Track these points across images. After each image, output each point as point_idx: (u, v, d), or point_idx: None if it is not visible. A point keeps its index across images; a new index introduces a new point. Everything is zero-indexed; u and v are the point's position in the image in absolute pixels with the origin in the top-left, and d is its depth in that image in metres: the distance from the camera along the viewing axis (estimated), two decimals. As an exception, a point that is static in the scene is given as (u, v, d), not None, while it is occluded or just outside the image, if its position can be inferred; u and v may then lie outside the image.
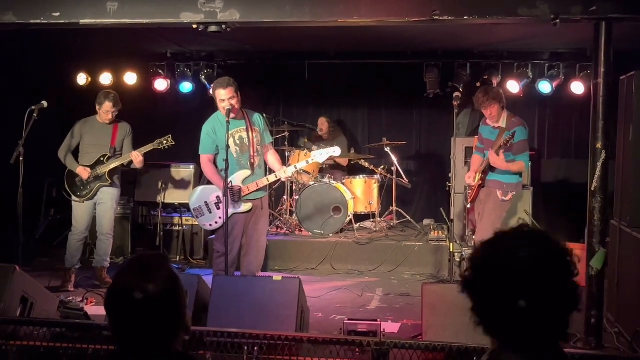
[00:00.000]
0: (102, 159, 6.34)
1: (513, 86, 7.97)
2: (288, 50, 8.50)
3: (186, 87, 8.67)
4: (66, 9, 4.88)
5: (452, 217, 6.32)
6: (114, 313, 1.82)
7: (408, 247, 7.41)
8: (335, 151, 5.55)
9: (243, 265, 5.46)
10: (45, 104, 5.86)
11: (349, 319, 4.41)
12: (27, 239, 6.47)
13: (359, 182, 8.28)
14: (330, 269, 7.34)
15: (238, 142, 5.34)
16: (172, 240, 7.84)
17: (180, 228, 7.82)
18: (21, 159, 5.70)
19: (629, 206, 4.92)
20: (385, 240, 7.68)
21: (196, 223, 7.35)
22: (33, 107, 5.81)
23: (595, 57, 4.60)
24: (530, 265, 1.57)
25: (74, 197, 6.35)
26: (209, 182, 5.50)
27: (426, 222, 8.64)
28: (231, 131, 5.22)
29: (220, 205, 5.29)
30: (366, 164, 8.39)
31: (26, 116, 5.78)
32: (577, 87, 7.82)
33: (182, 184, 8.12)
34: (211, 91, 5.54)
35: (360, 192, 8.22)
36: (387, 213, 8.57)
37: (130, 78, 8.67)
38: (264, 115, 5.97)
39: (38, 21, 4.92)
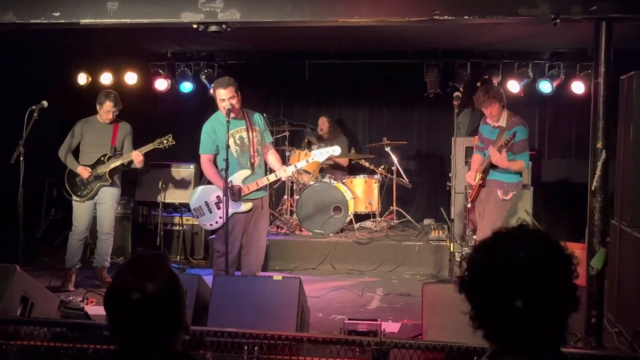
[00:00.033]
0: (102, 158, 6.34)
1: (513, 86, 7.97)
2: (288, 50, 8.50)
3: (186, 87, 8.68)
4: (66, 9, 4.89)
5: (452, 217, 6.33)
6: (113, 312, 1.81)
7: (408, 247, 7.41)
8: (335, 150, 5.55)
9: (243, 265, 5.46)
10: (45, 103, 5.86)
11: (349, 319, 4.41)
12: (27, 239, 6.49)
13: (359, 182, 8.28)
14: (331, 269, 7.34)
15: (238, 141, 5.34)
16: (173, 240, 7.84)
17: (181, 228, 7.82)
18: (21, 158, 5.70)
19: (629, 206, 4.92)
20: (385, 240, 7.68)
21: (196, 223, 7.34)
22: (33, 107, 5.82)
23: (595, 56, 4.60)
24: (529, 265, 1.55)
25: (74, 197, 6.35)
26: (209, 182, 5.50)
27: (426, 221, 8.64)
28: (231, 131, 5.22)
29: (221, 205, 5.29)
30: (366, 164, 8.39)
31: (26, 116, 5.78)
32: (578, 87, 7.81)
33: (182, 184, 8.13)
34: (211, 91, 5.54)
35: (360, 192, 8.22)
36: (387, 213, 8.57)
37: (131, 78, 8.67)
38: (264, 115, 5.98)
39: (38, 21, 4.92)
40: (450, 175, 6.72)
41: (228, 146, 5.16)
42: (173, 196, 8.01)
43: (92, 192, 6.33)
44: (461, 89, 7.54)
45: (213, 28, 4.84)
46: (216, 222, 5.43)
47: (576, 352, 3.61)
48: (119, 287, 1.81)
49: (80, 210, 6.36)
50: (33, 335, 3.93)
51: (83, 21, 4.89)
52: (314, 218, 7.84)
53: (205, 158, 5.41)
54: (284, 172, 5.46)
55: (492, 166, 5.83)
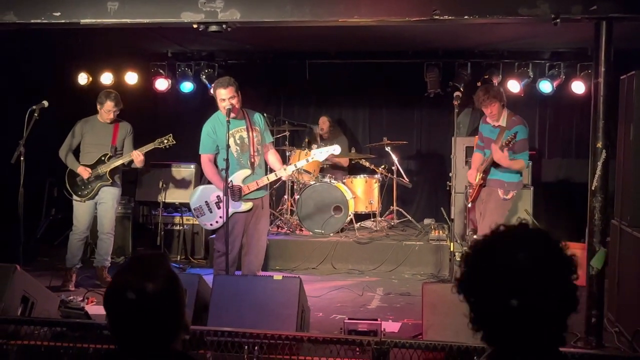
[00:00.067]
0: (103, 158, 6.34)
1: (514, 86, 7.97)
2: (289, 50, 8.50)
3: (187, 86, 8.68)
4: (67, 9, 4.89)
5: (452, 217, 6.32)
6: (113, 312, 1.81)
7: (408, 247, 7.41)
8: (335, 149, 5.56)
9: (243, 264, 5.47)
10: (46, 103, 5.87)
11: (349, 319, 4.41)
12: (28, 239, 6.49)
13: (359, 182, 8.28)
14: (331, 269, 7.35)
15: (238, 141, 5.34)
16: (173, 240, 7.85)
17: (181, 227, 7.83)
18: (22, 158, 5.70)
19: (630, 206, 4.92)
20: (385, 239, 7.68)
21: (197, 222, 7.34)
22: (34, 107, 5.82)
23: (595, 56, 4.60)
24: (528, 265, 1.53)
25: (74, 197, 6.35)
26: (210, 182, 5.50)
27: (427, 221, 8.64)
28: (231, 131, 5.23)
29: (221, 204, 5.30)
30: (367, 164, 8.39)
31: (27, 116, 5.79)
32: (578, 87, 7.81)
33: (182, 184, 8.13)
34: (212, 91, 5.55)
35: (360, 192, 8.23)
36: (387, 212, 8.57)
37: (131, 78, 8.68)
38: (265, 114, 5.98)
39: (39, 21, 4.92)
40: (450, 175, 6.72)
41: (228, 146, 5.16)
42: (173, 196, 8.02)
43: (92, 192, 6.34)
44: (461, 89, 7.54)
45: (213, 28, 4.85)
46: (216, 222, 5.43)
47: (576, 352, 3.61)
48: (119, 286, 1.81)
49: (81, 210, 6.37)
50: (33, 335, 3.94)
51: (83, 21, 4.90)
52: (314, 218, 7.85)
53: (205, 158, 5.42)
54: (283, 172, 5.46)
55: (493, 166, 5.83)
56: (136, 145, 6.41)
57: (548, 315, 1.53)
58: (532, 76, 8.01)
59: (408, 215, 8.39)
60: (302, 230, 7.96)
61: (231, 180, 5.23)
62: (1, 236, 6.46)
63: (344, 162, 8.81)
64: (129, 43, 7.85)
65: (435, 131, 9.15)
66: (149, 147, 6.27)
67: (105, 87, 7.86)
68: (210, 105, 5.80)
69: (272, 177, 5.46)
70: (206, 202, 5.47)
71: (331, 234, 7.79)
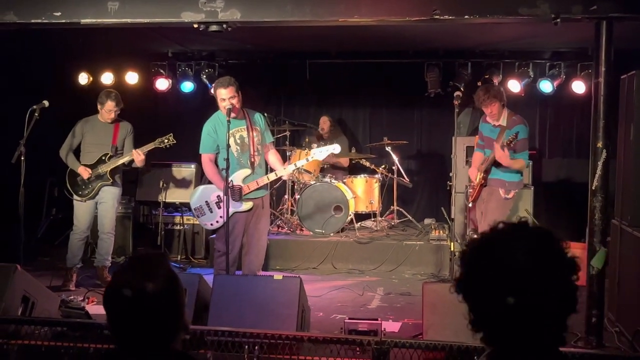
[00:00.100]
0: (103, 158, 6.35)
1: (514, 85, 7.97)
2: (289, 50, 8.50)
3: (187, 86, 8.68)
4: (67, 9, 4.89)
5: (452, 216, 6.32)
6: (112, 311, 1.81)
7: (409, 247, 7.41)
8: (335, 148, 5.57)
9: (244, 264, 5.47)
10: (46, 103, 5.87)
11: (349, 318, 4.41)
12: (28, 238, 6.49)
13: (360, 182, 8.29)
14: (331, 268, 7.35)
15: (238, 141, 5.34)
16: (173, 240, 7.85)
17: (182, 227, 7.83)
18: (22, 158, 5.70)
19: (630, 205, 4.92)
20: (386, 239, 7.68)
21: (197, 222, 7.35)
22: (34, 107, 5.83)
23: (595, 56, 4.60)
24: (527, 264, 1.50)
25: (75, 197, 6.35)
26: (210, 182, 5.50)
27: (427, 221, 8.64)
28: (232, 130, 5.23)
29: (221, 204, 5.30)
30: (367, 164, 8.39)
31: (27, 116, 5.79)
32: (578, 87, 7.81)
33: (183, 183, 8.13)
34: (212, 90, 5.55)
35: (361, 192, 8.23)
36: (388, 212, 8.57)
37: (132, 77, 8.68)
38: (265, 114, 5.98)
39: (39, 21, 4.92)
40: (450, 174, 6.72)
41: (228, 146, 5.16)
42: (174, 196, 8.02)
43: (93, 192, 6.34)
44: (462, 89, 7.54)
45: (213, 28, 4.85)
46: (217, 222, 5.43)
47: (576, 352, 3.61)
48: (119, 286, 1.81)
49: (81, 209, 6.37)
50: (34, 334, 3.94)
51: (84, 21, 4.90)
52: (314, 217, 7.85)
53: (205, 157, 5.42)
54: (284, 171, 5.47)
55: (494, 165, 5.83)
56: (136, 145, 6.41)
57: (547, 316, 1.51)
58: (532, 76, 8.01)
59: (408, 215, 8.39)
60: (303, 230, 7.96)
61: (231, 180, 5.23)
62: (2, 236, 6.46)
63: (345, 162, 8.81)
64: (130, 43, 7.85)
65: (436, 131, 9.15)
66: (150, 146, 6.28)
67: (106, 87, 7.86)
68: (210, 105, 5.81)
69: (272, 176, 5.47)
70: (206, 202, 5.47)
71: (331, 234, 7.79)
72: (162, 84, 8.61)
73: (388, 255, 7.36)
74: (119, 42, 7.67)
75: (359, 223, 8.11)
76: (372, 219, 8.26)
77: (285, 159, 7.77)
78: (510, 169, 5.79)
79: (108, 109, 6.32)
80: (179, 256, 7.78)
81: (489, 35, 7.21)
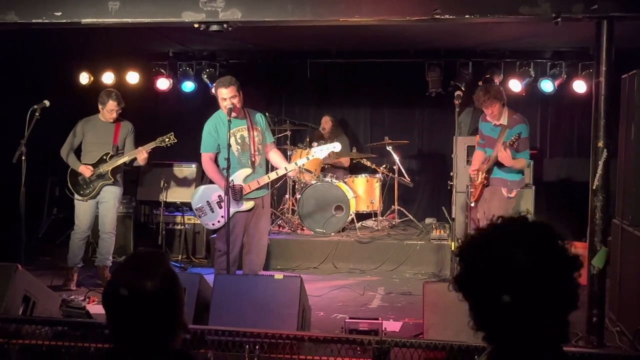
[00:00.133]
0: (104, 157, 6.35)
1: (515, 85, 7.97)
2: (290, 50, 8.51)
3: (188, 86, 8.69)
4: (68, 9, 4.89)
5: (453, 216, 6.32)
6: (111, 310, 1.81)
7: (410, 246, 7.41)
8: (335, 147, 5.57)
9: (244, 264, 5.47)
10: (47, 103, 5.87)
11: (350, 318, 4.41)
12: (29, 238, 6.50)
13: (360, 181, 8.29)
14: (332, 268, 7.35)
15: (239, 141, 5.34)
16: (174, 239, 7.85)
17: (182, 227, 7.83)
18: (23, 158, 5.71)
19: (631, 205, 4.92)
20: (387, 239, 7.68)
21: (198, 222, 7.36)
22: (35, 107, 5.83)
23: (596, 55, 4.59)
24: (527, 262, 1.48)
25: (76, 196, 6.36)
26: (211, 182, 5.51)
27: (428, 220, 8.63)
28: (232, 130, 5.22)
29: (222, 204, 5.29)
30: (368, 163, 8.40)
31: (28, 115, 5.80)
32: (579, 86, 7.81)
33: (184, 183, 8.13)
34: (213, 90, 5.55)
35: (362, 191, 8.23)
36: (388, 212, 8.58)
37: (133, 77, 8.68)
38: (266, 114, 5.99)
39: (40, 21, 4.93)
40: (451, 174, 6.71)
41: (229, 145, 5.16)
42: (175, 195, 8.02)
43: (94, 191, 6.34)
44: (463, 88, 7.53)
45: (214, 27, 4.85)
46: (218, 222, 5.43)
47: (577, 351, 3.61)
48: (117, 284, 1.81)
49: (82, 209, 6.37)
50: (35, 334, 3.94)
51: (84, 21, 4.90)
52: (315, 217, 7.85)
53: (206, 157, 5.42)
54: (284, 170, 5.47)
55: (496, 165, 5.82)
56: (137, 144, 6.41)
57: (549, 312, 1.49)
58: (533, 75, 8.00)
59: (409, 215, 8.39)
60: (304, 230, 7.96)
61: (232, 180, 5.23)
62: (2, 235, 6.47)
63: (345, 161, 8.81)
64: (130, 43, 7.86)
65: (437, 130, 9.15)
66: (151, 145, 6.28)
67: (107, 86, 7.86)
68: (211, 105, 5.81)
69: (273, 175, 5.47)
70: (207, 202, 5.47)
71: (332, 234, 7.79)
72: (163, 83, 8.62)
73: (389, 255, 7.36)
74: (120, 42, 7.68)
75: (360, 223, 8.11)
76: (373, 219, 8.26)
77: (286, 158, 7.75)
78: (511, 168, 5.78)
79: (109, 109, 6.32)
80: (180, 256, 7.78)
81: (490, 35, 7.21)
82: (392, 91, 9.10)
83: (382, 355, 3.55)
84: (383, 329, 4.28)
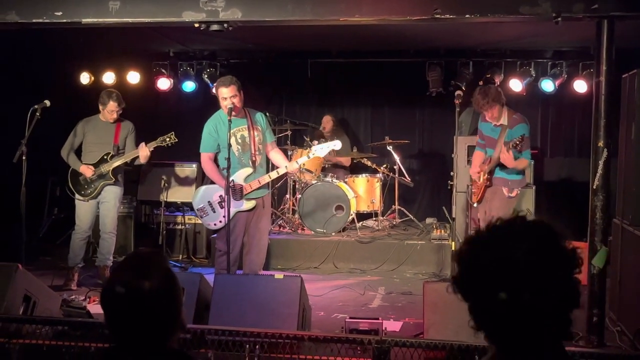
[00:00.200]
0: (105, 157, 6.35)
1: (516, 85, 7.96)
2: (290, 49, 8.51)
3: (189, 86, 8.69)
4: (68, 8, 4.89)
5: (454, 216, 6.31)
6: (109, 309, 1.82)
7: (410, 246, 7.41)
8: (335, 145, 5.58)
9: (245, 263, 5.47)
10: (48, 103, 5.88)
11: (350, 317, 4.41)
12: (30, 238, 6.50)
13: (361, 181, 8.28)
14: (333, 268, 7.35)
15: (240, 140, 5.35)
16: (175, 239, 7.86)
17: (183, 227, 7.83)
18: (24, 157, 5.71)
19: (631, 204, 4.92)
20: (387, 238, 7.68)
21: (199, 222, 7.37)
22: (36, 106, 5.83)
23: (597, 55, 4.59)
24: (526, 259, 1.47)
25: (77, 196, 6.36)
26: (212, 182, 5.51)
27: (428, 220, 8.63)
28: (233, 130, 5.23)
29: (223, 204, 5.30)
30: (369, 163, 8.40)
31: (29, 115, 5.80)
32: (580, 86, 7.81)
33: (184, 183, 8.14)
34: (214, 90, 5.55)
35: (362, 191, 8.23)
36: (389, 212, 8.58)
37: (133, 77, 8.69)
38: (267, 113, 5.99)
39: (40, 20, 4.93)
40: (452, 174, 6.71)
41: (230, 145, 5.17)
42: (175, 195, 8.02)
43: (95, 191, 6.35)
44: (463, 88, 7.53)
45: (215, 27, 4.85)
46: (220, 222, 5.42)
47: (578, 351, 3.61)
48: (116, 284, 1.81)
49: (83, 209, 6.38)
50: (35, 333, 3.95)
51: (85, 20, 4.90)
52: (316, 217, 7.85)
53: (205, 156, 5.42)
54: (284, 168, 5.47)
55: (497, 165, 5.81)
56: (138, 144, 6.41)
57: (549, 310, 1.48)
58: (534, 75, 7.99)
59: (410, 215, 8.39)
60: (304, 230, 7.96)
61: (232, 180, 5.23)
62: (3, 235, 6.48)
63: (346, 161, 8.81)
64: (131, 42, 7.86)
65: (437, 130, 9.15)
66: (152, 145, 6.28)
67: (108, 86, 7.87)
68: (212, 105, 5.81)
69: (274, 174, 5.48)
70: (209, 202, 5.47)
71: (333, 233, 7.79)
72: (164, 83, 8.62)
73: (389, 255, 7.35)
74: (121, 42, 7.68)
75: (361, 222, 8.11)
76: (374, 219, 8.26)
77: (287, 158, 7.76)
78: (514, 169, 5.77)
79: (110, 110, 6.32)
80: (181, 255, 7.77)
81: (490, 34, 7.20)
82: (393, 91, 9.10)
83: (382, 354, 3.55)
84: (383, 328, 4.28)
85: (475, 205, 6.20)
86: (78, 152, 6.46)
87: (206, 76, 8.45)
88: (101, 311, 1.84)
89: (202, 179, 7.88)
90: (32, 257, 6.62)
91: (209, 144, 5.39)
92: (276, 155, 5.60)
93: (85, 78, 8.63)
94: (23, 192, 5.66)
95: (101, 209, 6.44)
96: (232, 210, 5.20)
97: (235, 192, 5.25)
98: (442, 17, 4.57)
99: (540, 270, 1.48)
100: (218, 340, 3.74)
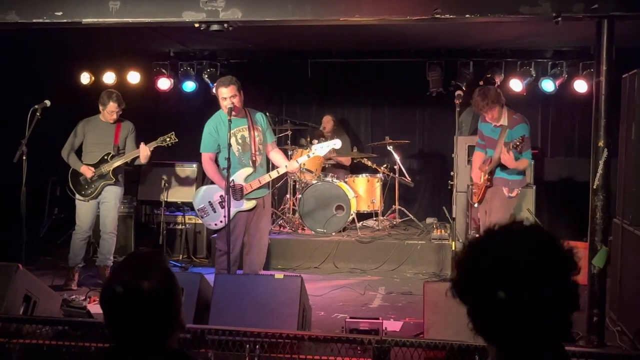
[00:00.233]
0: (105, 157, 6.36)
1: (516, 85, 7.96)
2: (290, 49, 8.51)
3: (189, 86, 8.69)
4: (68, 8, 4.89)
5: (454, 216, 6.31)
6: (109, 309, 1.82)
7: (410, 246, 7.41)
8: (335, 144, 5.59)
9: (245, 263, 5.48)
10: (48, 103, 5.88)
11: (350, 317, 4.41)
12: (30, 238, 6.50)
13: (361, 181, 8.29)
14: (333, 268, 7.35)
15: (240, 140, 5.35)
16: (175, 239, 7.86)
17: (183, 227, 7.83)
18: (24, 157, 5.71)
19: (631, 204, 4.92)
20: (387, 238, 7.68)
21: (199, 222, 7.38)
22: (36, 106, 5.84)
23: (597, 55, 4.59)
24: (524, 265, 1.48)
25: (77, 196, 6.36)
26: (213, 182, 5.51)
27: (429, 220, 8.63)
28: (233, 130, 5.23)
29: (224, 204, 5.30)
30: (369, 163, 8.40)
31: (29, 115, 5.80)
32: (580, 86, 7.80)
33: (185, 183, 8.14)
34: (214, 90, 5.56)
35: (362, 191, 8.23)
36: (389, 212, 8.58)
37: (134, 77, 8.69)
38: (267, 113, 5.99)
39: (40, 20, 4.93)
40: (452, 174, 6.71)
41: (230, 145, 5.17)
42: (176, 195, 8.03)
43: (96, 191, 6.35)
44: (463, 88, 7.52)
45: (215, 27, 4.85)
46: (220, 222, 5.42)
47: (578, 351, 3.61)
48: (115, 284, 1.81)
49: (84, 209, 6.38)
50: (36, 333, 3.95)
51: (85, 20, 4.90)
52: (316, 217, 7.85)
53: (206, 156, 5.43)
54: (284, 168, 5.47)
55: (498, 166, 5.81)
56: (138, 143, 6.41)
57: (549, 312, 1.48)
58: (534, 75, 7.99)
59: (410, 215, 8.39)
60: (304, 230, 7.96)
61: (232, 180, 5.24)
62: (3, 235, 6.48)
63: (346, 161, 8.81)
64: (131, 42, 7.86)
65: (438, 130, 9.15)
66: (152, 145, 6.29)
67: (108, 86, 7.88)
68: (212, 105, 5.82)
69: (274, 174, 5.48)
70: (210, 202, 5.47)
71: (333, 233, 7.79)
72: (164, 83, 8.62)
73: (390, 255, 7.36)
74: (121, 42, 7.68)
75: (361, 222, 8.12)
76: (374, 218, 8.27)
77: (287, 158, 7.76)
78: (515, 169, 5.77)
79: (110, 110, 6.33)
80: (181, 255, 7.78)
81: (490, 34, 7.20)
82: (393, 91, 9.10)
83: (382, 354, 3.55)
84: (383, 328, 4.28)
85: (476, 205, 6.20)
86: (78, 153, 6.47)
87: (206, 76, 8.45)
88: (101, 311, 1.84)
89: (202, 179, 7.89)
90: (32, 257, 6.62)
91: (210, 144, 5.39)
92: (276, 155, 5.60)
93: (85, 78, 8.63)
94: (23, 192, 5.66)
95: (101, 209, 6.44)
96: (233, 210, 5.20)
97: (235, 192, 5.26)
98: (442, 17, 4.57)
99: (541, 269, 1.48)
100: (218, 340, 3.74)
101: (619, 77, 5.06)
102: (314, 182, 7.94)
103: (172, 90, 8.73)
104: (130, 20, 4.90)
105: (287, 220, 8.19)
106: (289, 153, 8.22)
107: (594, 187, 4.58)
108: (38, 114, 5.81)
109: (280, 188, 8.52)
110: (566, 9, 4.44)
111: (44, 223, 8.13)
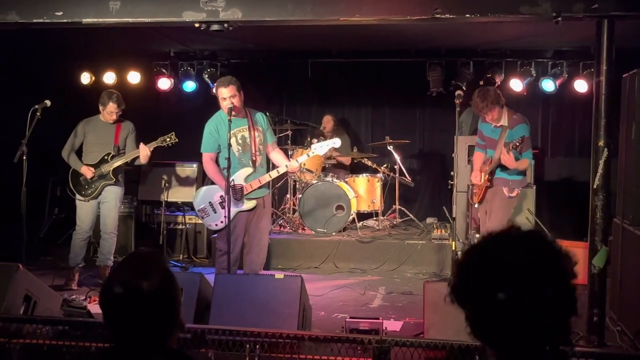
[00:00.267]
0: (106, 157, 6.36)
1: (516, 84, 7.97)
2: (290, 49, 8.51)
3: (189, 86, 8.70)
4: (69, 8, 4.90)
5: (454, 216, 6.31)
6: (108, 309, 1.82)
7: (411, 246, 7.41)
8: (335, 142, 5.59)
9: (245, 263, 5.48)
10: (48, 103, 5.89)
11: (351, 317, 4.41)
12: (31, 238, 6.50)
13: (362, 181, 8.29)
14: (333, 268, 7.35)
15: (240, 141, 5.35)
16: (176, 239, 7.86)
17: (184, 227, 7.84)
18: (24, 157, 5.72)
19: (632, 204, 4.91)
20: (388, 238, 7.68)
21: (199, 222, 7.38)
22: (36, 106, 5.84)
23: (597, 55, 4.59)
24: (523, 269, 1.48)
25: (78, 196, 6.37)
26: (213, 182, 5.51)
27: (429, 220, 8.64)
28: (233, 130, 5.23)
29: (225, 204, 5.30)
30: (369, 163, 8.40)
31: (29, 115, 5.81)
32: (581, 85, 7.81)
33: (185, 183, 8.14)
34: (214, 90, 5.56)
35: (363, 191, 8.23)
36: (390, 211, 8.58)
37: (134, 77, 8.69)
38: (267, 113, 5.99)
39: (41, 20, 4.93)
40: (452, 173, 6.71)
41: (230, 145, 5.17)
42: (176, 195, 8.03)
43: (96, 192, 6.35)
44: (464, 88, 7.53)
45: (215, 27, 4.85)
46: (221, 222, 5.42)
47: (578, 351, 3.60)
48: (115, 283, 1.81)
49: (84, 209, 6.38)
50: (36, 333, 3.94)
51: (85, 20, 4.91)
52: (316, 217, 7.85)
53: (206, 156, 5.43)
54: (284, 167, 5.47)
55: (498, 166, 5.81)
56: (138, 143, 6.41)
57: (548, 312, 1.48)
58: (534, 75, 8.00)
59: (410, 214, 8.39)
60: (305, 229, 7.96)
61: (233, 180, 5.24)
62: (4, 235, 6.47)
63: (347, 161, 8.81)
64: (132, 42, 7.86)
65: (438, 130, 9.15)
66: (152, 145, 6.29)
67: (108, 86, 7.88)
68: (212, 105, 5.81)
69: (274, 173, 5.48)
70: (210, 202, 5.47)
71: (333, 233, 7.80)
72: (164, 83, 8.63)
73: (390, 255, 7.36)
74: (121, 42, 7.69)
75: (361, 222, 8.12)
76: (374, 218, 8.27)
77: (287, 158, 7.76)
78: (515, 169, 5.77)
79: (109, 111, 6.33)
80: (181, 255, 7.78)
81: (490, 34, 7.21)
82: (393, 91, 9.10)
83: (382, 354, 3.55)
84: (384, 328, 4.28)
85: (476, 205, 6.20)
86: (79, 153, 6.47)
87: (207, 76, 8.46)
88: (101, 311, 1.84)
89: (202, 179, 7.89)
90: (32, 257, 6.62)
91: (210, 144, 5.40)
92: (277, 156, 5.60)
93: (85, 78, 8.64)
94: (24, 192, 5.66)
95: (102, 209, 6.44)
96: (233, 210, 5.20)
97: (235, 192, 5.26)
98: (442, 17, 4.57)
99: (540, 269, 1.49)
100: (218, 340, 3.74)
101: (619, 77, 5.06)
102: (314, 182, 7.94)
103: (172, 90, 8.73)
104: (130, 20, 4.90)
105: (287, 220, 8.19)
106: (289, 153, 8.22)
107: (594, 187, 4.58)
108: (38, 114, 5.81)
109: (281, 188, 8.52)
110: (566, 9, 4.44)
111: (44, 223, 8.13)
